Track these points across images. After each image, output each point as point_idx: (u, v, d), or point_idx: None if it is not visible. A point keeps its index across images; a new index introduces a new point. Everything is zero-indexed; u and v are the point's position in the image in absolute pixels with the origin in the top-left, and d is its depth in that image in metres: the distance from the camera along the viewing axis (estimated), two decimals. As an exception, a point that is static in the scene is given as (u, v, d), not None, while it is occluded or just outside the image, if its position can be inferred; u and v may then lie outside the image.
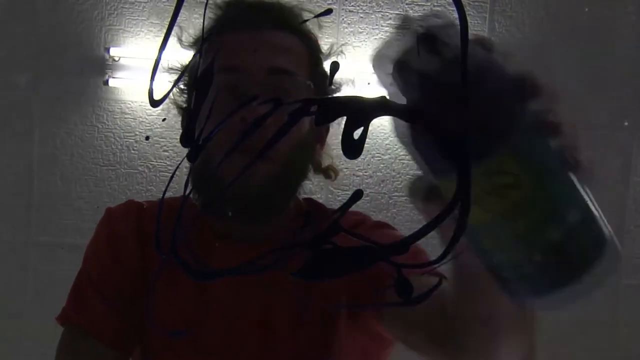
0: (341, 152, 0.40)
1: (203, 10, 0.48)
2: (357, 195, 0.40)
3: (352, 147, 0.39)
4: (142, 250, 0.93)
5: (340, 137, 0.40)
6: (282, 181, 0.87)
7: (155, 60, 0.39)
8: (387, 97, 0.41)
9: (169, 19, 0.40)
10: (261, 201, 0.85)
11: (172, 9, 0.40)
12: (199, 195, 0.79)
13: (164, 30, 0.41)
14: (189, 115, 0.40)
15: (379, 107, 0.39)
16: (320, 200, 1.05)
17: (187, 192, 0.41)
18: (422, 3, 2.24)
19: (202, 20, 0.46)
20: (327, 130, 0.97)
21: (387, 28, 2.24)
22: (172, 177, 0.44)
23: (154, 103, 0.39)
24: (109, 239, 0.96)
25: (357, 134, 0.40)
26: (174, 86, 0.43)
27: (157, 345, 0.93)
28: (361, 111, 0.39)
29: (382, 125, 1.88)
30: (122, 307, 0.93)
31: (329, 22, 2.19)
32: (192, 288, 0.90)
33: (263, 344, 0.91)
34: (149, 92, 0.39)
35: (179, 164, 0.45)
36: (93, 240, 0.99)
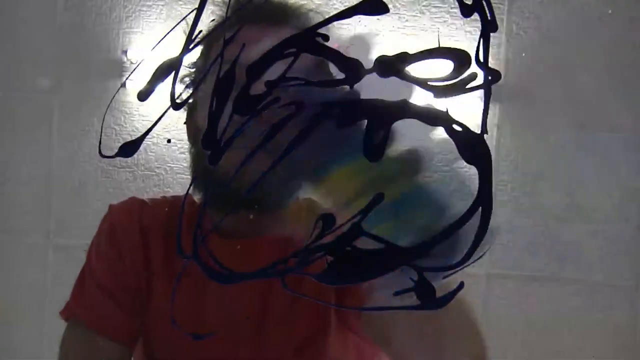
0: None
1: (216, 9, 0.48)
2: (378, 198, 0.40)
3: (374, 150, 0.39)
4: (143, 245, 0.96)
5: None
6: (285, 177, 0.88)
7: (177, 64, 0.39)
8: (408, 100, 0.41)
9: (191, 23, 0.40)
10: (263, 195, 0.86)
11: (188, 10, 0.41)
12: (202, 192, 0.80)
13: (175, 32, 0.41)
14: (211, 116, 0.40)
15: (400, 109, 0.39)
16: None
17: (198, 196, 0.41)
18: (439, 5, 2.24)
19: (212, 19, 0.46)
20: None
21: (403, 30, 2.24)
22: (192, 183, 0.44)
23: (176, 106, 0.39)
24: (111, 234, 0.99)
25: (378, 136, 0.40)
26: (194, 89, 0.43)
27: (158, 338, 0.95)
28: (383, 114, 0.38)
29: (398, 127, 1.87)
30: (124, 301, 0.95)
31: (345, 24, 2.19)
32: (192, 285, 0.91)
33: (259, 338, 0.92)
34: (171, 96, 0.39)
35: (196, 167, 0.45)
36: (96, 236, 1.02)
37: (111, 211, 1.02)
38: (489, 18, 0.41)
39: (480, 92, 0.43)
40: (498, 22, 0.43)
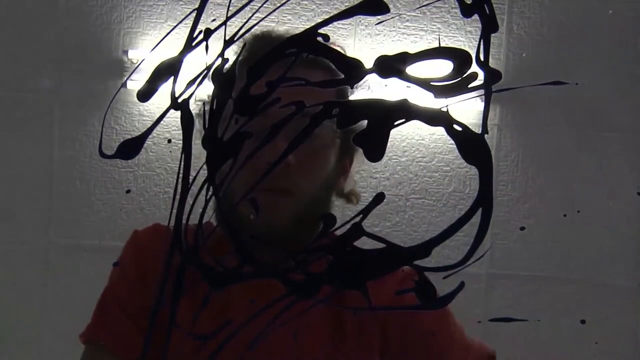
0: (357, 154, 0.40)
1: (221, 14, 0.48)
2: (379, 198, 0.40)
3: (374, 150, 0.39)
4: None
5: (358, 138, 0.40)
6: (306, 219, 0.88)
7: (178, 64, 0.39)
8: (409, 100, 0.41)
9: (190, 25, 0.40)
10: (284, 238, 0.86)
11: (189, 10, 0.41)
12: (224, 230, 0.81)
13: (176, 32, 0.41)
14: (211, 116, 0.40)
15: (401, 109, 0.39)
16: (338, 202, 1.06)
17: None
18: (439, 5, 2.24)
19: (213, 19, 0.46)
20: (351, 162, 0.98)
21: (404, 30, 2.24)
22: (192, 181, 0.45)
23: (177, 106, 0.39)
24: (136, 259, 0.98)
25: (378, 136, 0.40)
26: (195, 90, 0.43)
27: None
28: (384, 114, 0.39)
29: (398, 127, 1.86)
30: (147, 326, 0.95)
31: (346, 24, 2.19)
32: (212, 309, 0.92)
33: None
34: (171, 96, 0.39)
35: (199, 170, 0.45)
36: (120, 260, 1.01)
37: (136, 236, 1.02)
38: (490, 18, 0.41)
39: (481, 92, 0.43)
40: (498, 22, 0.43)
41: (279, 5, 0.51)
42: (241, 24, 0.47)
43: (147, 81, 0.42)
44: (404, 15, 2.23)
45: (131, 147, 0.42)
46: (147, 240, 1.00)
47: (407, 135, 2.24)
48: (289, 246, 0.88)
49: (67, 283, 2.18)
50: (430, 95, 0.42)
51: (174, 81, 0.40)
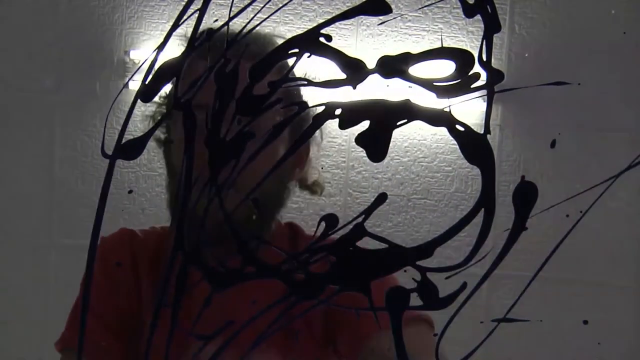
0: (359, 154, 0.40)
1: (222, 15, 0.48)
2: (381, 198, 0.40)
3: (376, 151, 0.39)
4: (135, 275, 0.97)
5: (360, 139, 0.40)
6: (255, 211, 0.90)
7: (179, 65, 0.39)
8: (411, 101, 0.41)
9: (194, 24, 0.40)
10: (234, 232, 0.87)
11: (191, 12, 0.41)
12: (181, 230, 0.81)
13: (175, 33, 0.41)
14: (213, 116, 0.40)
15: (403, 110, 0.39)
16: (339, 203, 1.06)
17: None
18: (441, 5, 2.24)
19: (215, 20, 0.47)
20: (308, 151, 0.98)
21: (405, 30, 2.24)
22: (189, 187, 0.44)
23: (179, 107, 0.39)
24: (104, 265, 1.00)
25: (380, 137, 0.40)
26: (198, 89, 0.43)
27: None
28: (385, 114, 0.38)
29: (400, 128, 1.86)
30: (119, 330, 0.96)
31: (348, 24, 2.19)
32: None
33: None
34: (173, 96, 0.39)
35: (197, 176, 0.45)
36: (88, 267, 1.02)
37: (102, 243, 1.02)
38: (492, 18, 0.41)
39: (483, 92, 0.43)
40: (500, 22, 0.43)
41: (281, 5, 0.50)
42: (243, 25, 0.47)
43: (149, 82, 0.42)
44: (406, 16, 2.23)
45: (133, 148, 0.42)
46: (114, 247, 1.02)
47: (409, 135, 2.23)
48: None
49: (67, 283, 2.17)
50: (433, 95, 0.42)
51: (176, 82, 0.40)
